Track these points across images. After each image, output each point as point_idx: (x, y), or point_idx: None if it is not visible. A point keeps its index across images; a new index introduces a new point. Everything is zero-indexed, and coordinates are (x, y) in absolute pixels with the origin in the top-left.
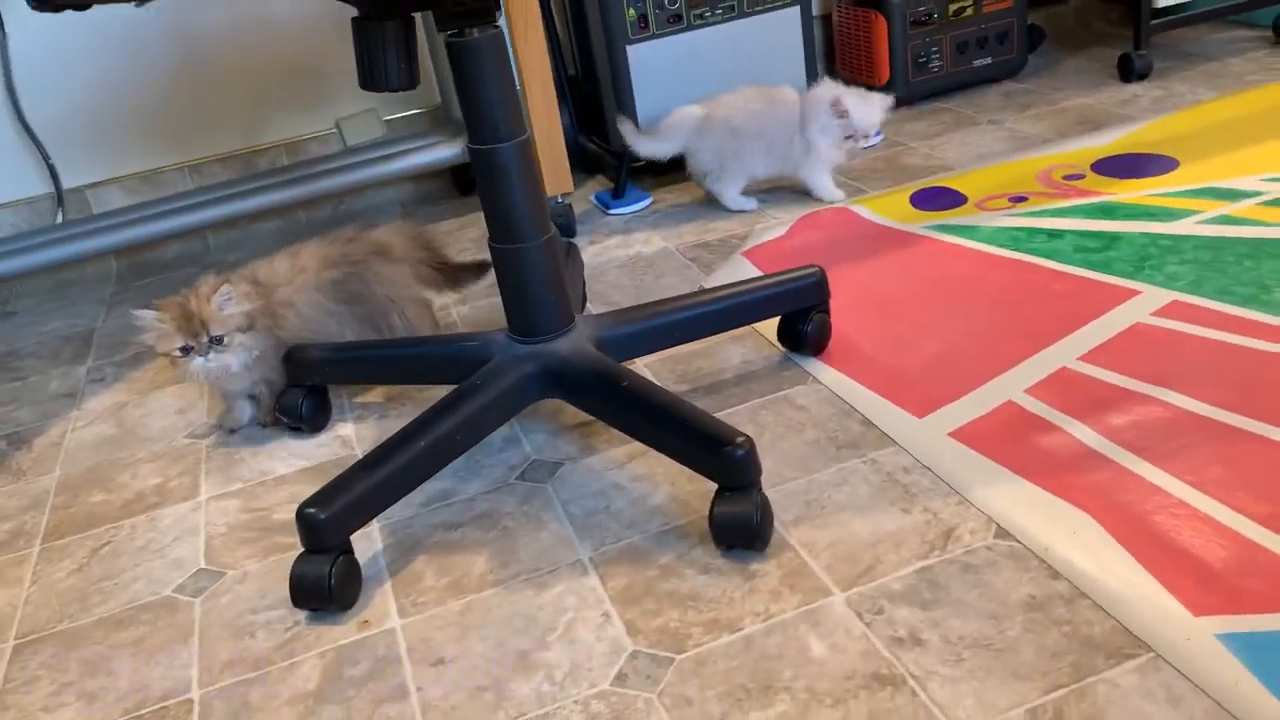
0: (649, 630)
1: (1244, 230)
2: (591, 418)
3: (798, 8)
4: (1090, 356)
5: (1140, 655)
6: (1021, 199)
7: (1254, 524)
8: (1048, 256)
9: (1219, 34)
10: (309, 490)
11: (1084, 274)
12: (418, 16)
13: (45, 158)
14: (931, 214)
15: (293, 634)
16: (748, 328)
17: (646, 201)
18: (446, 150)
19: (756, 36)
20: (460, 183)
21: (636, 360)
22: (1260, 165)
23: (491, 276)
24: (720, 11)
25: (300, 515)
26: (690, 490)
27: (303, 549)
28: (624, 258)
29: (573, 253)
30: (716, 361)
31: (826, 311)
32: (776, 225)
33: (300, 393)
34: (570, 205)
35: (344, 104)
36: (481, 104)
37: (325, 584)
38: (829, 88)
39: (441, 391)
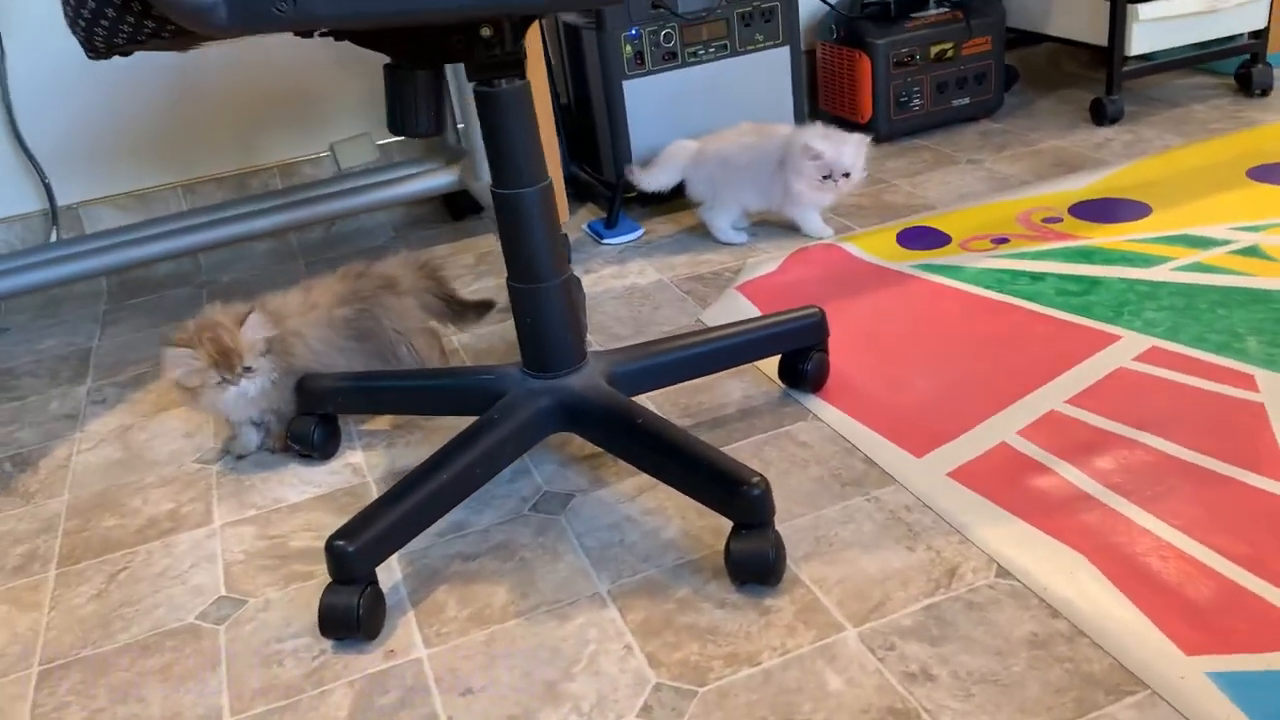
0: (671, 663)
1: (1215, 278)
2: (599, 449)
3: (788, 48)
4: (1077, 400)
5: (1138, 692)
6: (1003, 240)
7: (1236, 566)
8: (1031, 299)
9: (1183, 80)
10: (324, 518)
11: (1066, 317)
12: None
13: (41, 176)
14: (918, 253)
15: (320, 662)
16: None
17: (639, 232)
18: (443, 178)
19: (748, 74)
20: (452, 208)
21: (642, 395)
22: (1228, 213)
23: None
24: (713, 50)
25: (329, 547)
26: (701, 525)
27: (330, 580)
28: (620, 289)
29: (577, 285)
30: (718, 396)
31: (825, 350)
32: (768, 260)
33: (312, 420)
34: (566, 235)
35: (338, 127)
36: (507, 151)
37: (354, 614)
38: (805, 131)
39: (449, 421)
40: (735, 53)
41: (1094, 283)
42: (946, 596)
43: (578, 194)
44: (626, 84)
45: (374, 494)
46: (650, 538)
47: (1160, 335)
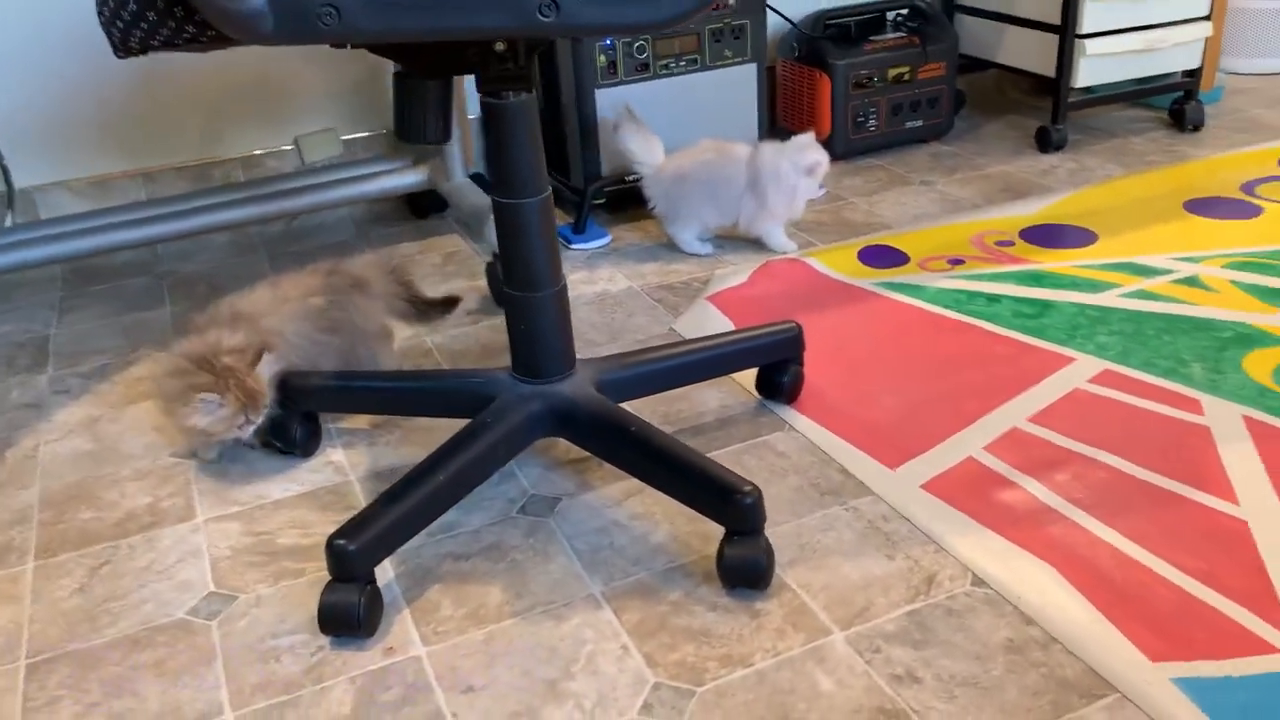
0: (667, 663)
1: (1160, 306)
2: (583, 454)
3: (755, 65)
4: (1038, 418)
5: (1108, 696)
6: (959, 261)
7: (1191, 579)
8: (989, 319)
9: (1121, 112)
10: (309, 515)
11: (1023, 339)
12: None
13: None
14: (879, 271)
15: (319, 659)
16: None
17: (606, 239)
18: (410, 177)
19: (715, 89)
20: (415, 206)
21: (624, 402)
22: (1168, 244)
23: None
24: (684, 64)
25: (331, 546)
26: (689, 530)
27: (331, 578)
28: (591, 295)
29: None
30: (696, 405)
31: (801, 364)
32: (735, 273)
33: (295, 418)
34: None
35: (303, 121)
36: (511, 163)
37: (355, 612)
38: (784, 148)
39: (427, 421)
40: (705, 67)
41: (1047, 306)
42: (926, 603)
43: None
44: (599, 92)
45: (358, 492)
46: (639, 542)
47: (1112, 359)
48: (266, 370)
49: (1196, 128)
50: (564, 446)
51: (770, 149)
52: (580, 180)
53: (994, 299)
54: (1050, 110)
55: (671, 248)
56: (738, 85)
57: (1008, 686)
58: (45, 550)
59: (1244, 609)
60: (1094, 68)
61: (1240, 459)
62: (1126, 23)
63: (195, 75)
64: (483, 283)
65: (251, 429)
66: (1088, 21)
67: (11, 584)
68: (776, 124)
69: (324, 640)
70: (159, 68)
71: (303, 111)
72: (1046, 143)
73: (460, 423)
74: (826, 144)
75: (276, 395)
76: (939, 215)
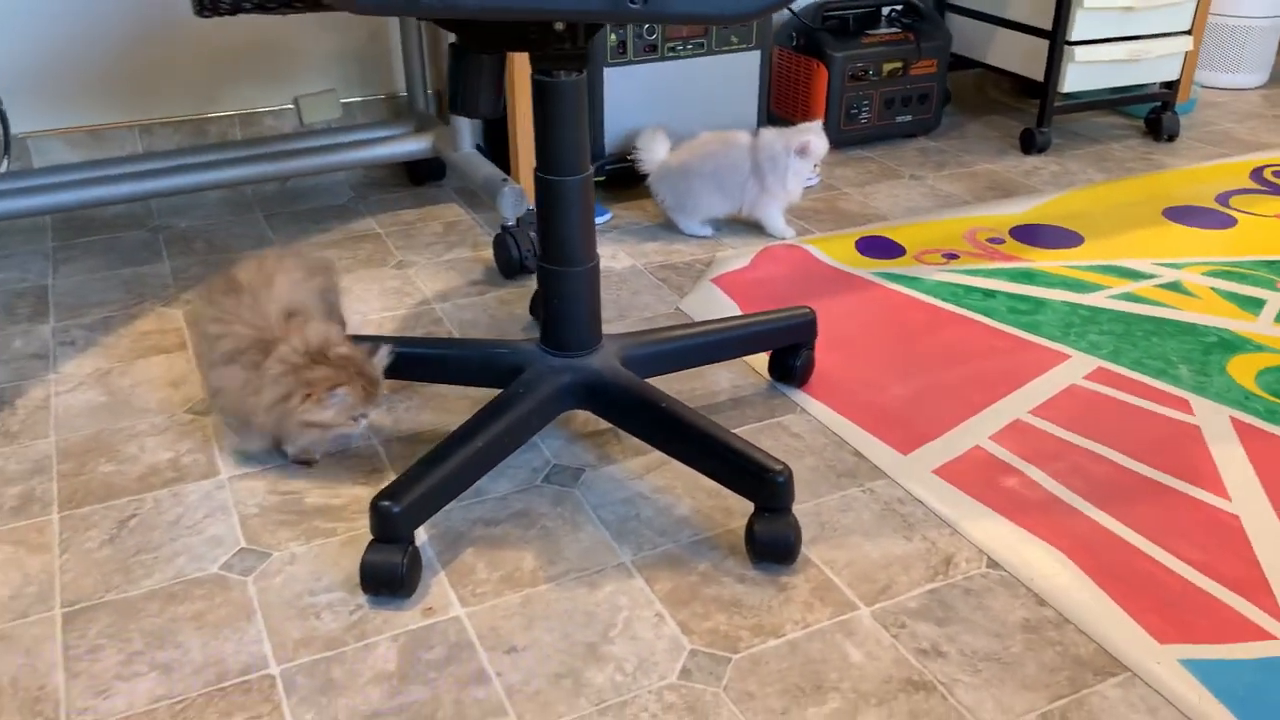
0: (702, 631)
1: (1147, 309)
2: (601, 428)
3: (759, 52)
4: (1039, 411)
5: (1120, 674)
6: (954, 256)
7: (1190, 568)
8: (985, 314)
9: (1100, 119)
10: (333, 476)
11: (1019, 334)
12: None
13: None
14: (876, 261)
15: (359, 616)
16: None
17: (607, 216)
18: (414, 144)
19: (719, 73)
20: (413, 173)
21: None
22: (1151, 249)
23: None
24: (691, 47)
25: (375, 507)
26: (711, 505)
27: (373, 538)
28: None
29: None
30: (709, 384)
31: (813, 348)
32: (736, 256)
33: None
34: None
35: (303, 81)
36: (557, 141)
37: (399, 572)
38: (785, 133)
39: (445, 389)
40: (711, 51)
41: (1040, 303)
42: (945, 583)
43: None
44: (607, 70)
45: (382, 455)
46: (664, 514)
47: (1105, 357)
48: (383, 361)
49: (1172, 138)
50: (582, 419)
51: (771, 133)
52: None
53: (989, 294)
54: (1033, 112)
55: (670, 228)
56: (741, 71)
57: (1027, 662)
58: (69, 501)
59: (1241, 597)
60: (1080, 74)
61: (1230, 457)
62: (1114, 32)
63: (196, 29)
64: (488, 253)
65: (365, 422)
66: (1078, 29)
67: (38, 533)
68: (770, 112)
69: (361, 599)
70: (159, 18)
71: (303, 72)
72: (1030, 144)
73: (476, 391)
74: None
75: None
76: (931, 210)
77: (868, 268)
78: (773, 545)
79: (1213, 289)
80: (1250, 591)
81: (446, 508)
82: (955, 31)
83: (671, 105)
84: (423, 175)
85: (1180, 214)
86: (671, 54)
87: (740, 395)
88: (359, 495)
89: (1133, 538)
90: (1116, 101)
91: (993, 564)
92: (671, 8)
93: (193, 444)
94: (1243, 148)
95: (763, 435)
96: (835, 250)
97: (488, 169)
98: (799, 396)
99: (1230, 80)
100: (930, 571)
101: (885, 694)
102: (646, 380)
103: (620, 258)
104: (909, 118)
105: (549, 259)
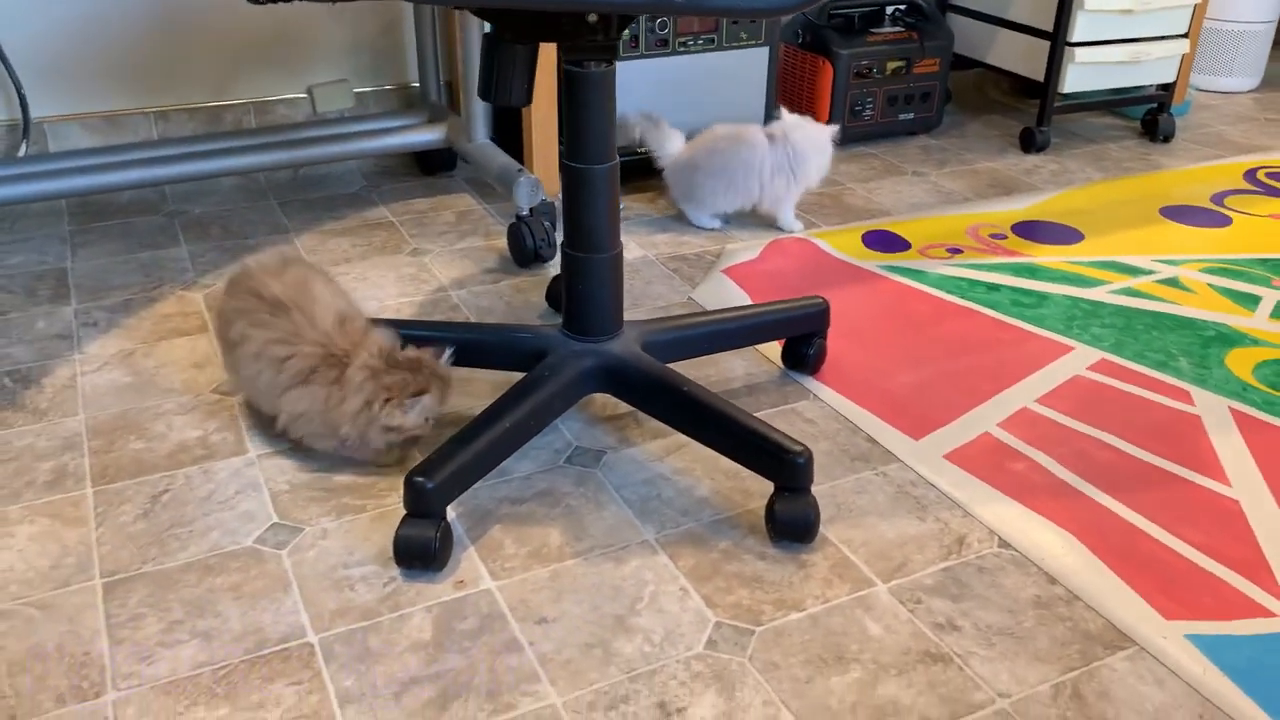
0: (725, 605)
1: (1146, 304)
2: (620, 411)
3: (767, 48)
4: (1045, 400)
5: (1129, 648)
6: (958, 250)
7: (1194, 550)
8: (990, 307)
9: (1097, 119)
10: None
11: (1023, 326)
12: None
13: (17, 86)
14: (882, 255)
15: (392, 589)
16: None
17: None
18: (428, 135)
19: (728, 68)
20: (424, 163)
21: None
22: (1149, 246)
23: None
24: (701, 42)
25: (410, 482)
26: (730, 486)
27: (406, 513)
28: None
29: None
30: (724, 372)
31: (825, 337)
32: (745, 248)
33: None
34: (554, 204)
35: (316, 71)
36: (586, 130)
37: (433, 546)
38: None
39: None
40: (721, 47)
41: (1043, 297)
42: (959, 562)
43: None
44: (620, 64)
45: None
46: (685, 495)
47: (1107, 349)
48: (448, 361)
49: (1167, 138)
50: (600, 403)
51: (793, 125)
52: None
53: (993, 288)
54: (1032, 112)
55: (679, 219)
56: (749, 67)
57: (1039, 637)
58: (102, 477)
59: (1242, 577)
60: (1080, 74)
61: (1230, 446)
62: (1114, 34)
63: (214, 18)
64: (501, 242)
65: (431, 422)
66: (1079, 31)
67: (73, 507)
68: (774, 108)
69: (394, 572)
70: (177, 7)
71: (317, 62)
72: (1030, 143)
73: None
74: None
75: None
76: (934, 205)
77: (874, 261)
78: (793, 524)
79: (1210, 285)
80: (1251, 571)
81: (473, 487)
82: (956, 31)
83: (681, 99)
84: (434, 165)
85: (1177, 213)
86: (682, 49)
87: (754, 382)
88: (386, 473)
89: (1138, 520)
90: (1114, 103)
91: (1004, 544)
92: (714, 1)
93: (220, 423)
94: (1236, 149)
95: (777, 421)
96: (842, 244)
97: (502, 159)
98: (811, 384)
99: (1224, 83)
100: (944, 551)
101: (904, 665)
102: (667, 365)
103: (631, 248)
104: (911, 115)
105: (574, 245)
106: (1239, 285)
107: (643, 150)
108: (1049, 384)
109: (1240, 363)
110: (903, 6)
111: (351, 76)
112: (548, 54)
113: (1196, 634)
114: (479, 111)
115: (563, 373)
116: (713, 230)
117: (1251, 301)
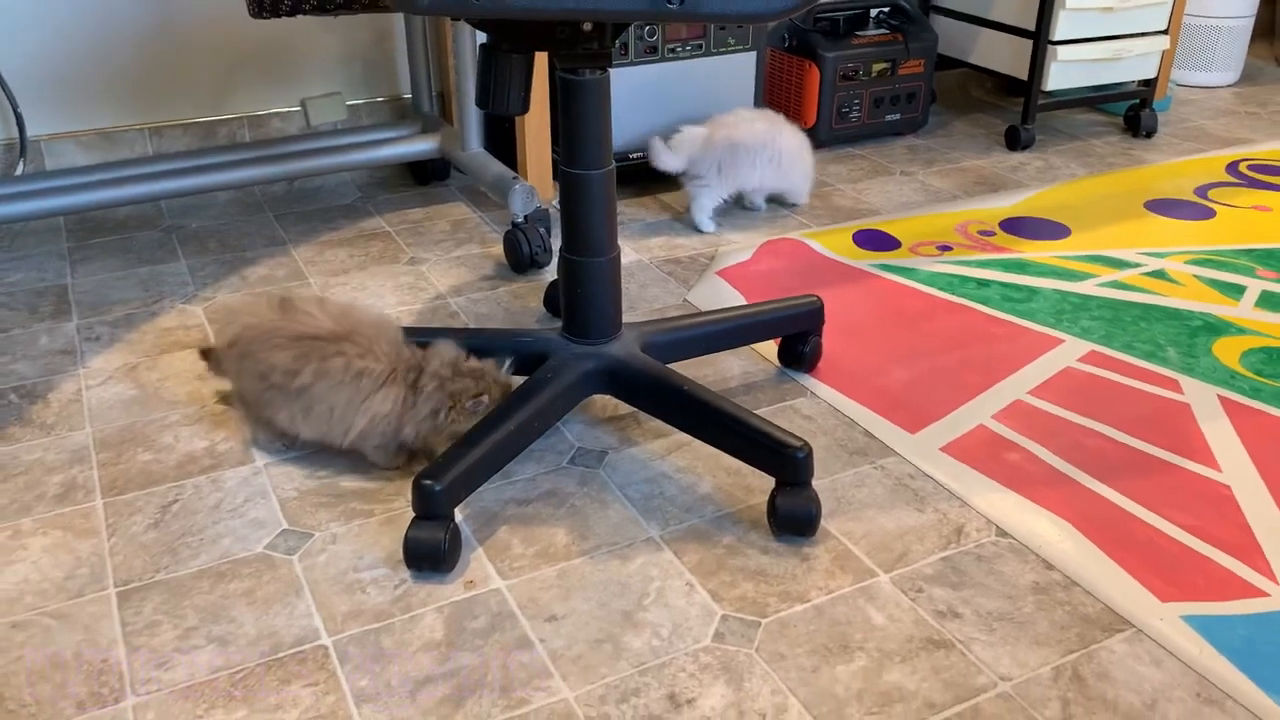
0: (731, 598)
1: (1134, 296)
2: (621, 412)
3: (754, 53)
4: (1037, 391)
5: (1126, 630)
6: (947, 248)
7: (1187, 533)
8: (981, 302)
9: (1080, 116)
10: (364, 461)
11: (1014, 320)
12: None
13: (13, 105)
14: (873, 253)
15: (403, 590)
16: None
17: None
18: (421, 145)
19: (716, 74)
20: (417, 173)
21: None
22: (1135, 240)
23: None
24: (690, 49)
25: (418, 485)
26: (731, 483)
27: (415, 515)
28: None
29: None
30: (721, 371)
31: (820, 335)
32: (739, 250)
33: None
34: (548, 210)
35: (308, 84)
36: (582, 137)
37: (442, 548)
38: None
39: None
40: (709, 53)
41: (1033, 292)
42: (958, 551)
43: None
44: (611, 71)
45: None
46: (687, 492)
47: (1097, 341)
48: (508, 371)
49: (1150, 134)
50: (601, 405)
51: (731, 123)
52: None
53: (983, 284)
54: (1015, 110)
55: (674, 223)
56: (737, 72)
57: (1038, 621)
58: (111, 488)
59: (1235, 559)
60: (1062, 72)
61: (1219, 432)
62: (1095, 32)
63: (206, 34)
64: (497, 249)
65: None
66: (1060, 29)
67: (84, 518)
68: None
69: (405, 574)
70: (170, 24)
71: (310, 75)
72: (1015, 141)
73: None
74: (811, 132)
75: None
76: (923, 204)
77: (865, 259)
78: (794, 518)
79: (1195, 276)
80: (1243, 553)
81: (479, 489)
82: (940, 32)
83: (671, 104)
84: (427, 175)
85: (1161, 206)
86: (671, 55)
87: (751, 381)
88: (391, 478)
89: (1132, 507)
90: (1096, 99)
91: (1001, 533)
92: (707, 7)
93: (225, 433)
94: (1218, 143)
95: (776, 418)
96: (833, 243)
97: (497, 167)
98: (808, 381)
99: (1204, 78)
100: (943, 541)
101: (908, 652)
102: (667, 366)
103: (626, 252)
104: (897, 116)
105: (572, 249)
106: (1224, 275)
107: (633, 154)
108: (1041, 376)
109: (1227, 351)
110: (887, 9)
111: (344, 89)
112: (539, 62)
113: (1192, 615)
114: (472, 121)
115: (564, 375)
116: (709, 234)
117: (1236, 291)
